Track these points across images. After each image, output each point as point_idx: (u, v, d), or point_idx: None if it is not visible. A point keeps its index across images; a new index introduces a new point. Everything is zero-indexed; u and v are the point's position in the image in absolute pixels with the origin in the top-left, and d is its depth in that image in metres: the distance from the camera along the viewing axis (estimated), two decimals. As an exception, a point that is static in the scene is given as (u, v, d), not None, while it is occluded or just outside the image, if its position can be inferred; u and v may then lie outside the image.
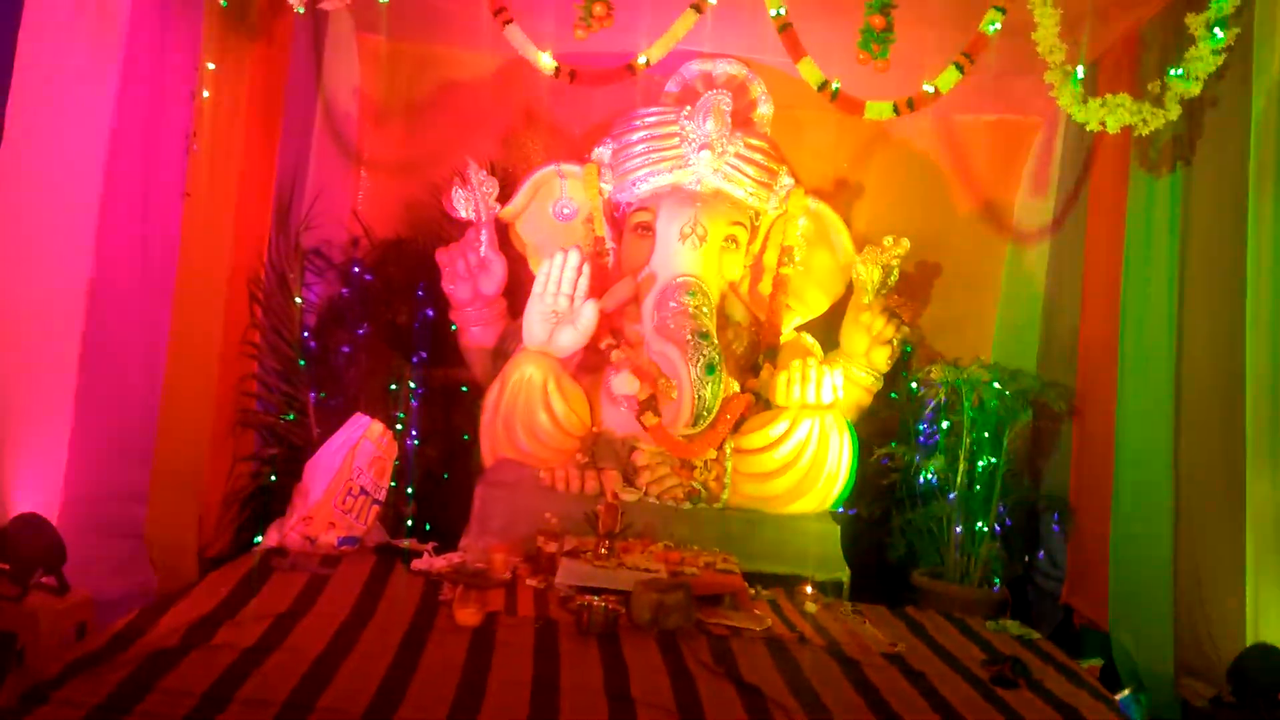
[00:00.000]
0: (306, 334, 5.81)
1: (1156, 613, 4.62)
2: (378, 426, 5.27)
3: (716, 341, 5.52)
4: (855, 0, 4.96)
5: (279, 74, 5.47)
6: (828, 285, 6.18)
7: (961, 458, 5.67)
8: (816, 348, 6.09)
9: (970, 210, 6.71)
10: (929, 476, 5.78)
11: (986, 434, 5.64)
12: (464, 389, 6.11)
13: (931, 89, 4.96)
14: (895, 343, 5.95)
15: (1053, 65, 4.63)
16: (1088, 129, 4.71)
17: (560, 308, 5.52)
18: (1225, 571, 4.22)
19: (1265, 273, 4.13)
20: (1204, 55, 4.38)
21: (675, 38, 5.04)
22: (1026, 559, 6.02)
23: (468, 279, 5.82)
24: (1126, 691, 4.34)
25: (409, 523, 5.64)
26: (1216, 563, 4.30)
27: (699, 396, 5.37)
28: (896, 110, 5.03)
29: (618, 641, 4.11)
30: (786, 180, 6.02)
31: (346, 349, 5.78)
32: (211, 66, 4.70)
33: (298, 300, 5.72)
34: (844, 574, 5.41)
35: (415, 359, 5.94)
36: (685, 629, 4.33)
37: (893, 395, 6.16)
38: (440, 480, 6.01)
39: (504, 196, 5.92)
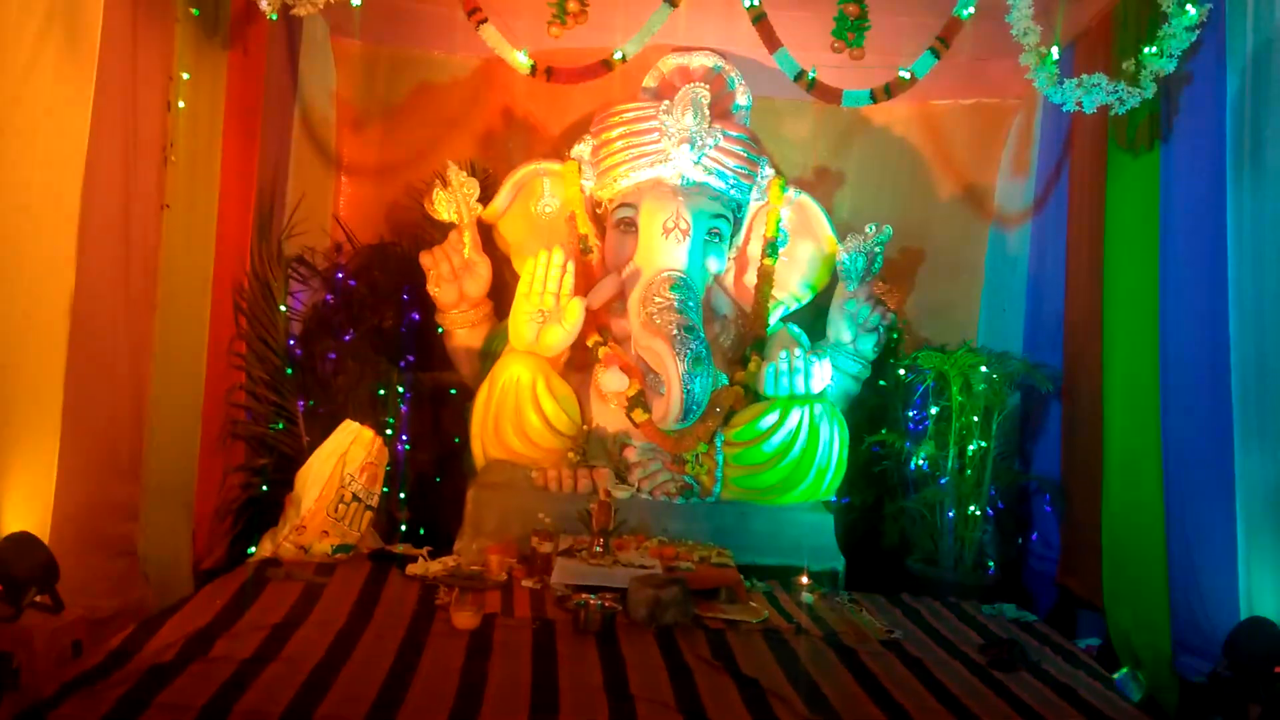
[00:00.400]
0: (292, 342, 5.79)
1: (1151, 590, 4.65)
2: (368, 433, 5.26)
3: (703, 335, 5.53)
4: (829, -12, 4.98)
5: (255, 81, 5.45)
6: (812, 275, 6.19)
7: (951, 442, 5.69)
8: (803, 338, 6.10)
9: (952, 195, 6.73)
10: (920, 463, 5.80)
11: (975, 418, 5.66)
12: (453, 392, 6.10)
13: (908, 75, 4.98)
14: (882, 330, 5.97)
15: (1028, 47, 4.66)
16: (1065, 109, 4.74)
17: (546, 307, 5.52)
18: (1217, 546, 4.24)
19: (1247, 248, 4.16)
20: (1177, 32, 4.41)
21: (650, 32, 5.06)
22: (1020, 541, 6.05)
23: (452, 281, 5.82)
24: (1124, 670, 4.36)
25: (402, 528, 5.63)
26: (1208, 538, 4.33)
27: (687, 391, 5.37)
28: (874, 97, 5.05)
29: (615, 639, 4.12)
30: (767, 171, 6.04)
31: (333, 356, 5.77)
32: (186, 76, 4.68)
33: (282, 309, 5.70)
34: (839, 563, 5.43)
35: (403, 363, 5.92)
36: (682, 624, 4.34)
37: (881, 383, 6.17)
38: (432, 484, 6.00)
39: (485, 197, 5.91)
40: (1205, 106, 4.48)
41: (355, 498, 5.13)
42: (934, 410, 5.80)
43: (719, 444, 5.65)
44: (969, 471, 5.67)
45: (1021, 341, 6.23)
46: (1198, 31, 4.42)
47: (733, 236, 6.01)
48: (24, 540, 3.81)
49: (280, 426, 5.66)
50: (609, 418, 5.75)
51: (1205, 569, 4.35)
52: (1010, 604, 5.27)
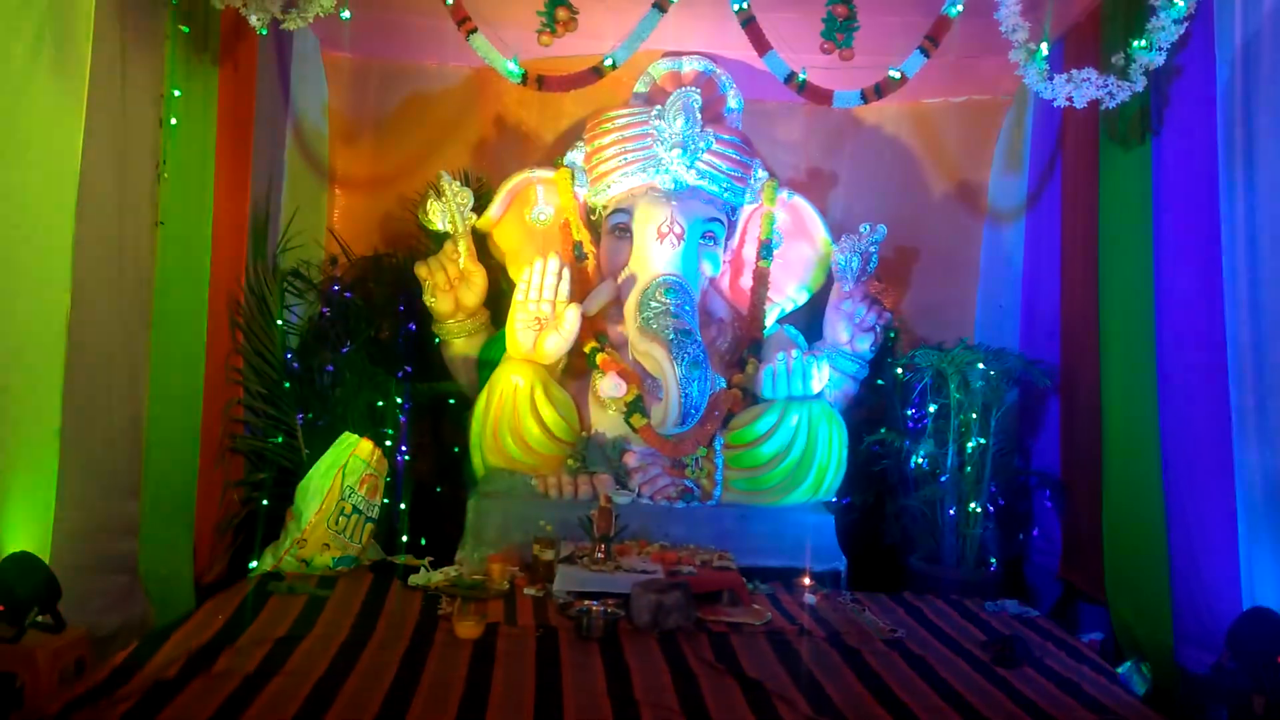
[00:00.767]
0: (289, 356, 5.79)
1: (1153, 583, 4.64)
2: (367, 444, 5.27)
3: (700, 339, 5.53)
4: (816, -10, 4.98)
5: (246, 96, 5.45)
6: (807, 276, 6.20)
7: (951, 440, 5.69)
8: (800, 339, 6.11)
9: (945, 193, 6.73)
10: (919, 461, 5.80)
11: (974, 415, 5.66)
12: (451, 401, 6.11)
13: (898, 74, 4.98)
14: (878, 329, 5.98)
15: (1017, 43, 4.67)
16: (1055, 105, 4.74)
17: (543, 314, 5.54)
18: (1218, 537, 4.24)
19: (1240, 238, 4.16)
20: (1166, 25, 4.42)
21: (640, 38, 5.06)
22: (1021, 537, 6.04)
23: (448, 291, 5.82)
24: (1128, 663, 4.36)
25: (404, 539, 5.63)
26: (1209, 529, 4.32)
27: (685, 395, 5.38)
28: (864, 98, 5.06)
29: (619, 645, 4.12)
30: (760, 173, 6.06)
31: (330, 368, 5.76)
32: (177, 93, 4.68)
33: (279, 322, 5.70)
34: (840, 563, 5.43)
35: (400, 374, 5.92)
36: (685, 628, 4.35)
37: (879, 382, 6.18)
38: (433, 494, 6.00)
39: (479, 206, 5.92)
40: (1196, 99, 4.48)
41: (355, 510, 5.14)
42: (932, 408, 5.80)
43: (718, 447, 5.65)
44: (969, 469, 5.67)
45: (1018, 338, 6.23)
46: (1186, 24, 4.42)
47: (727, 240, 6.02)
48: (25, 560, 3.81)
49: (279, 440, 5.66)
50: (608, 423, 5.75)
51: (1206, 560, 4.34)
52: (1013, 600, 5.27)
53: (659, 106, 5.69)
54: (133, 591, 4.50)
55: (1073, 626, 5.12)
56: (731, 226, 6.05)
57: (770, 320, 6.17)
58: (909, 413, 5.97)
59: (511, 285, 5.75)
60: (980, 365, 5.63)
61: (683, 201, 5.73)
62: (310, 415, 5.67)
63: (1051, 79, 4.67)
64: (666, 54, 6.08)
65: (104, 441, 4.37)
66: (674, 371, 5.39)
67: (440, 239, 5.88)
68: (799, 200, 6.18)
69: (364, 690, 3.53)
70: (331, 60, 6.42)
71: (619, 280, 5.81)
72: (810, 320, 6.24)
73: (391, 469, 5.52)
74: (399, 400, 5.83)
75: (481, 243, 5.98)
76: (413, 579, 4.91)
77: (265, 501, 5.48)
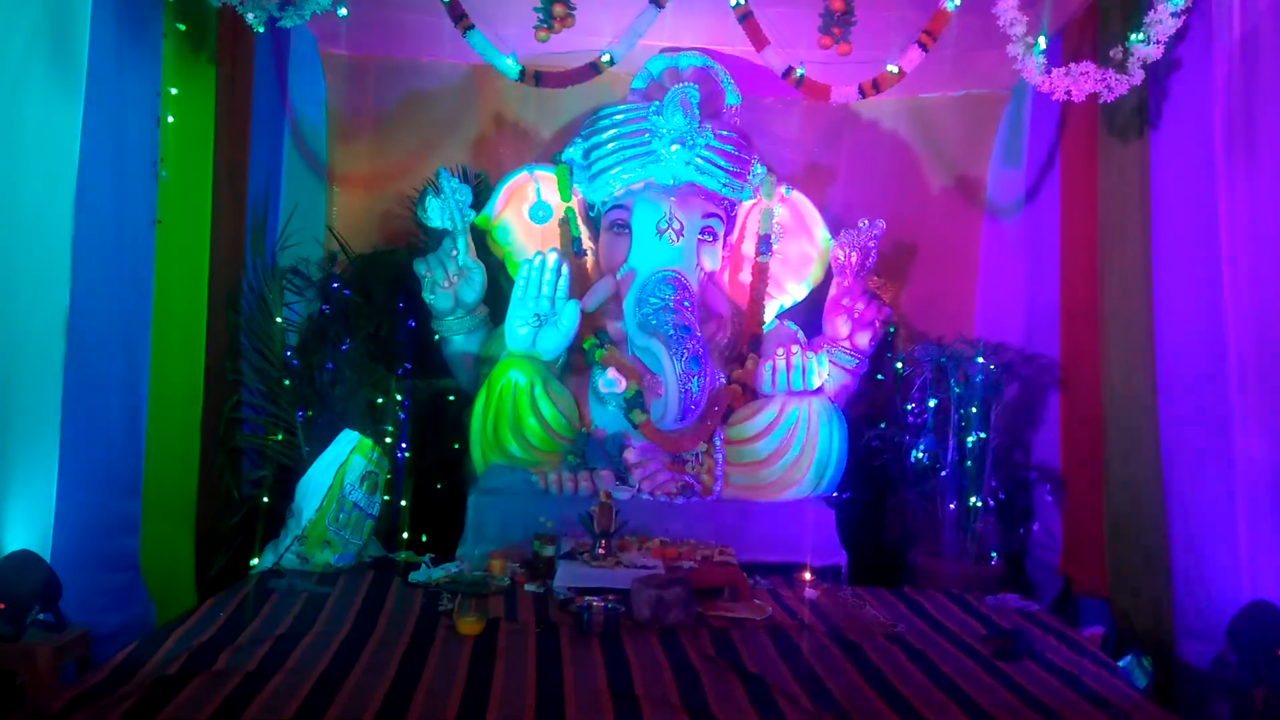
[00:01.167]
0: (289, 353, 5.78)
1: (1154, 577, 4.65)
2: (367, 441, 5.27)
3: (699, 334, 5.53)
4: (814, -16, 4.98)
5: (244, 94, 5.45)
6: (806, 271, 6.20)
7: (951, 435, 5.68)
8: (799, 334, 6.11)
9: (944, 187, 6.73)
10: (919, 456, 5.79)
11: (974, 409, 5.66)
12: (451, 398, 6.11)
13: (896, 69, 4.98)
14: (878, 324, 5.98)
15: (1015, 37, 4.66)
16: (1053, 99, 4.74)
17: (542, 310, 5.54)
18: (1218, 531, 4.24)
19: (1239, 231, 4.16)
20: (1164, 19, 4.42)
21: (638, 34, 5.07)
22: (1022, 532, 6.04)
23: (447, 288, 5.82)
24: (1129, 657, 4.35)
25: (404, 535, 5.63)
26: (1210, 523, 4.33)
27: (685, 390, 5.38)
28: (862, 92, 5.05)
29: (619, 640, 4.12)
30: (759, 169, 6.05)
31: (330, 366, 5.75)
32: (174, 91, 4.69)
33: (278, 320, 5.70)
34: (841, 558, 5.43)
35: (400, 371, 5.92)
36: (686, 623, 4.34)
37: (879, 377, 6.18)
38: (433, 491, 6.00)
39: (478, 203, 5.91)
40: (1194, 92, 4.48)
41: (356, 507, 5.14)
42: (932, 403, 5.79)
43: (718, 443, 5.65)
44: (969, 463, 5.67)
45: (1018, 332, 6.23)
46: (1184, 17, 4.42)
47: (726, 235, 6.02)
48: (25, 559, 3.82)
49: (279, 437, 5.66)
50: (608, 419, 5.76)
51: (1207, 554, 4.35)
52: (1013, 594, 5.27)
53: (657, 102, 5.69)
54: (133, 589, 4.51)
55: (1073, 620, 5.13)
56: (730, 222, 6.05)
57: (769, 316, 6.17)
58: (909, 407, 5.95)
59: (511, 282, 5.75)
60: (980, 359, 5.62)
61: (681, 197, 5.73)
62: (310, 412, 5.67)
63: (1049, 73, 4.67)
64: (664, 50, 6.07)
65: (104, 440, 4.38)
66: (673, 367, 5.39)
67: (439, 236, 5.87)
68: (797, 195, 6.18)
69: (365, 687, 3.53)
70: (329, 57, 6.42)
71: (618, 276, 5.82)
72: (809, 315, 6.24)
73: (391, 466, 5.53)
74: (399, 397, 5.82)
75: (480, 239, 5.98)
76: (413, 575, 4.91)
77: (265, 499, 5.48)
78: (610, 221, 5.91)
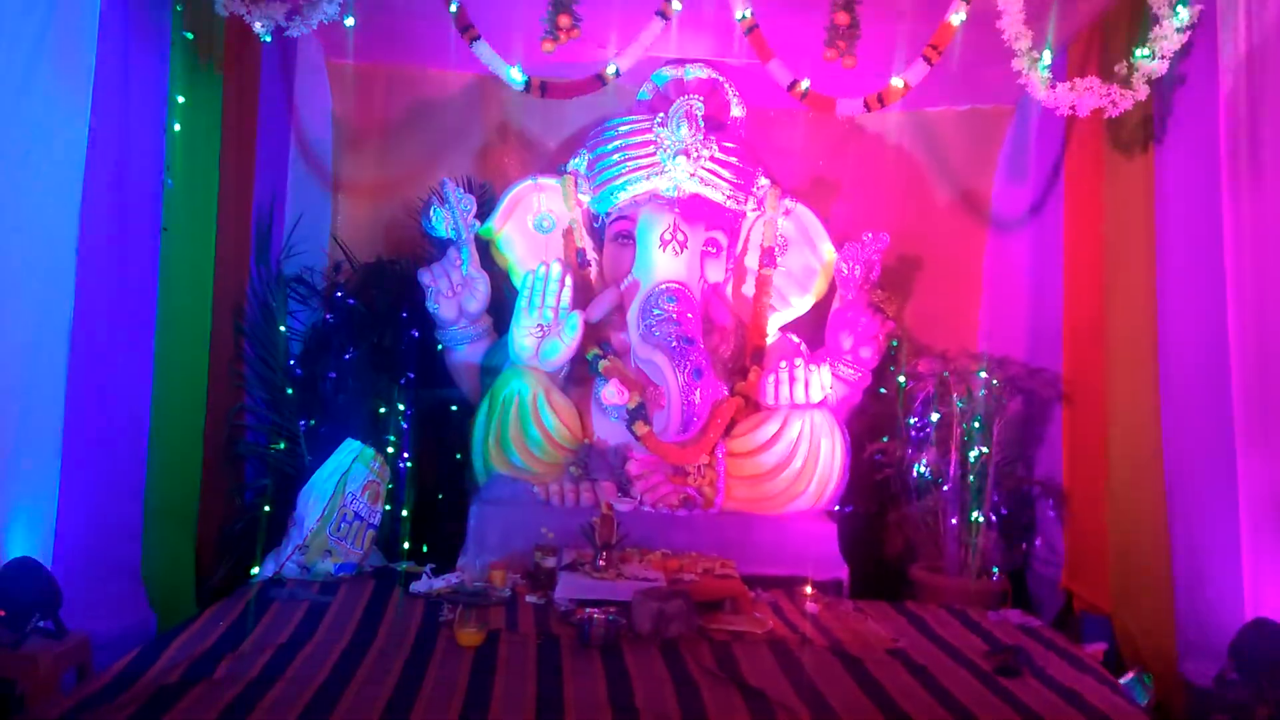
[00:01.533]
0: (293, 362, 5.79)
1: (1156, 593, 4.63)
2: (369, 451, 5.27)
3: (702, 346, 5.53)
4: (820, -2, 4.98)
5: (250, 103, 5.47)
6: (810, 284, 6.20)
7: (953, 449, 5.68)
8: (803, 347, 6.10)
9: (948, 201, 6.74)
10: (922, 470, 5.79)
11: (977, 424, 5.65)
12: (454, 408, 6.10)
13: (901, 83, 4.97)
14: (881, 338, 5.97)
15: (1020, 52, 4.66)
16: (1058, 113, 4.74)
17: (546, 321, 5.54)
18: (1221, 548, 4.23)
19: (1244, 247, 4.15)
20: (1169, 34, 4.42)
21: (643, 46, 5.06)
22: (1024, 547, 6.03)
23: (451, 298, 5.81)
24: (1131, 674, 4.34)
25: (405, 545, 5.63)
26: (1212, 540, 4.31)
27: (688, 402, 5.38)
28: (867, 106, 5.05)
29: (620, 652, 4.11)
30: (763, 181, 6.05)
31: (334, 375, 5.77)
32: (181, 100, 4.70)
33: (282, 329, 5.71)
34: (843, 572, 5.42)
35: (403, 381, 5.92)
36: (687, 636, 4.33)
37: (882, 391, 6.17)
38: (435, 501, 6.00)
39: (483, 213, 5.92)
40: (1199, 108, 4.48)
41: (357, 516, 5.14)
42: (935, 417, 5.79)
43: (720, 455, 5.65)
44: (971, 478, 5.66)
45: (1022, 346, 6.22)
46: (1189, 33, 4.42)
47: (730, 247, 6.02)
48: (26, 566, 3.82)
49: (282, 446, 5.67)
50: (610, 431, 5.75)
51: (1210, 571, 4.33)
52: (1015, 610, 5.25)
53: (662, 114, 5.69)
54: (135, 597, 4.51)
55: (1075, 636, 5.10)
56: (734, 234, 6.05)
57: (773, 328, 6.16)
58: (912, 421, 5.95)
59: (514, 292, 5.74)
60: (983, 374, 5.62)
61: (685, 209, 5.73)
62: (313, 421, 5.68)
63: (1054, 87, 4.67)
64: (670, 62, 6.08)
65: (107, 447, 4.38)
66: (676, 379, 5.39)
67: (444, 245, 5.88)
68: (802, 208, 6.18)
69: (365, 697, 3.52)
70: (335, 67, 6.43)
71: (622, 287, 5.82)
72: (813, 329, 6.23)
73: (394, 475, 5.53)
74: (401, 407, 5.83)
75: (485, 249, 5.98)
76: (414, 586, 4.90)
77: (267, 507, 5.48)
78: (614, 233, 5.91)
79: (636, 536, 5.24)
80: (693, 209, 5.75)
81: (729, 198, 5.84)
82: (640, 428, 5.60)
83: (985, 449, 5.65)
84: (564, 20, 4.95)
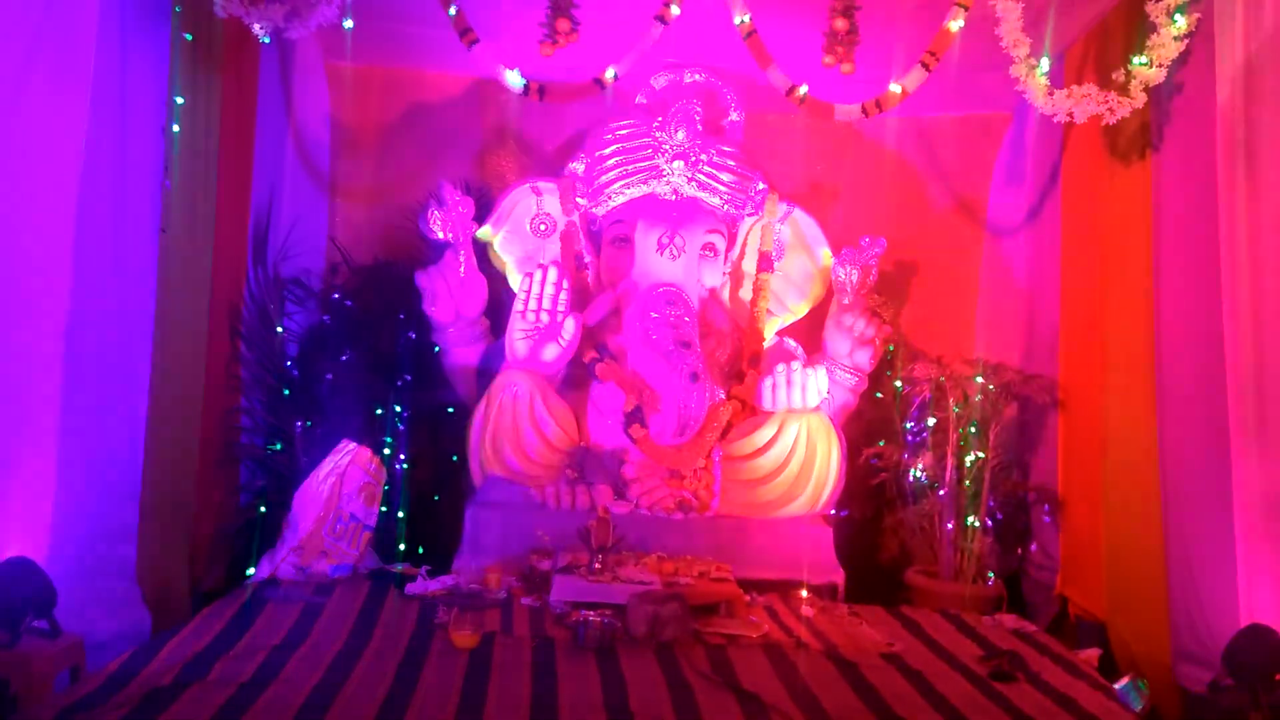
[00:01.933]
0: (289, 364, 5.79)
1: (1151, 599, 4.64)
2: (365, 452, 5.26)
3: (699, 350, 5.53)
4: (819, 3, 4.99)
5: (249, 105, 5.47)
6: (807, 289, 6.21)
7: (949, 454, 5.68)
8: (799, 351, 6.11)
9: (945, 207, 6.74)
10: (918, 474, 5.80)
11: (973, 429, 5.66)
12: (450, 410, 6.09)
13: (899, 89, 4.98)
14: (877, 342, 5.97)
15: (1018, 58, 4.67)
16: (1056, 120, 4.75)
17: (542, 324, 5.53)
18: (1216, 554, 4.23)
19: (1240, 254, 4.16)
20: (1166, 42, 4.43)
21: (642, 50, 5.06)
22: (1019, 552, 6.03)
23: (449, 300, 5.81)
24: (1125, 680, 4.34)
25: (401, 547, 5.62)
26: (1207, 546, 4.32)
27: (684, 406, 5.37)
28: (865, 112, 5.06)
29: (615, 656, 4.11)
30: (761, 186, 6.06)
31: (330, 377, 5.76)
32: (180, 101, 4.70)
33: (279, 330, 5.70)
34: (838, 576, 5.41)
35: (400, 383, 5.92)
36: (682, 640, 4.32)
37: (878, 395, 6.18)
38: (431, 503, 5.99)
39: (480, 216, 5.92)
40: (1196, 115, 4.49)
41: (353, 517, 5.13)
42: (931, 422, 5.80)
43: (717, 459, 5.64)
44: (967, 483, 5.67)
45: (1018, 352, 6.23)
46: (1187, 41, 4.43)
47: (727, 252, 6.03)
48: (21, 565, 3.81)
49: (278, 447, 5.66)
50: (606, 434, 5.74)
51: (1204, 577, 4.34)
52: (1010, 615, 5.25)
53: (660, 118, 5.70)
54: (129, 598, 4.50)
55: (1070, 642, 5.10)
56: (732, 238, 6.06)
57: (769, 333, 6.17)
58: (908, 426, 5.96)
59: (511, 295, 5.75)
60: (979, 379, 5.63)
61: (683, 213, 5.74)
62: (309, 423, 5.67)
63: (1052, 94, 4.68)
64: (668, 66, 6.08)
65: (102, 447, 4.37)
66: (673, 383, 5.38)
67: (441, 248, 5.88)
68: (799, 213, 6.19)
69: (359, 699, 3.52)
70: (333, 69, 6.43)
71: (619, 291, 5.82)
72: (810, 333, 6.23)
73: (390, 477, 5.52)
74: (398, 409, 5.82)
75: (482, 252, 5.98)
76: (409, 588, 4.89)
77: (263, 509, 5.48)
78: (612, 236, 5.91)
79: (632, 540, 5.24)
80: (690, 213, 5.75)
81: (726, 202, 5.85)
82: (636, 431, 5.60)
83: (981, 454, 5.65)
84: (562, 24, 4.96)
